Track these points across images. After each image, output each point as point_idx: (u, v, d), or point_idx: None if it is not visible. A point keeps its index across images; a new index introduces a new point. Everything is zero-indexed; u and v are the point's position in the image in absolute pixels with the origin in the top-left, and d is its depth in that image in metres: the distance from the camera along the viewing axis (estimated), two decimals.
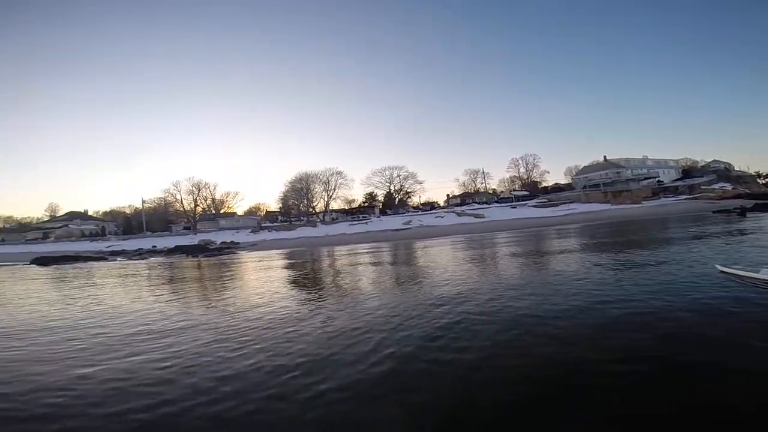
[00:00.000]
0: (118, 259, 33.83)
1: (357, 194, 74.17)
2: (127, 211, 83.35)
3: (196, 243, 39.92)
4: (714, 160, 70.52)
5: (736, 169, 69.30)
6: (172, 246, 37.27)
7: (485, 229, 37.16)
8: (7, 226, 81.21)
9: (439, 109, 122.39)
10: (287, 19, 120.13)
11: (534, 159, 79.91)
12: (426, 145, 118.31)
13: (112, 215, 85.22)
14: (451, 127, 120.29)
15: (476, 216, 45.96)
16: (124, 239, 55.97)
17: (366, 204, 72.73)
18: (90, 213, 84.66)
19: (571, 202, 55.33)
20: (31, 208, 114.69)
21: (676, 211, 37.92)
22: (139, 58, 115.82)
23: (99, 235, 68.80)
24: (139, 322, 7.22)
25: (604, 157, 69.55)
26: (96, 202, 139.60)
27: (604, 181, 62.23)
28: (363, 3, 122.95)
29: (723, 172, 64.32)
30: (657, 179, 64.51)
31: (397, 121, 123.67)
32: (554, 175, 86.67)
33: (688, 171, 67.80)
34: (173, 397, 3.68)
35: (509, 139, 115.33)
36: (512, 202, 62.82)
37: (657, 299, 5.92)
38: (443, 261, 14.16)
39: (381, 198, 73.91)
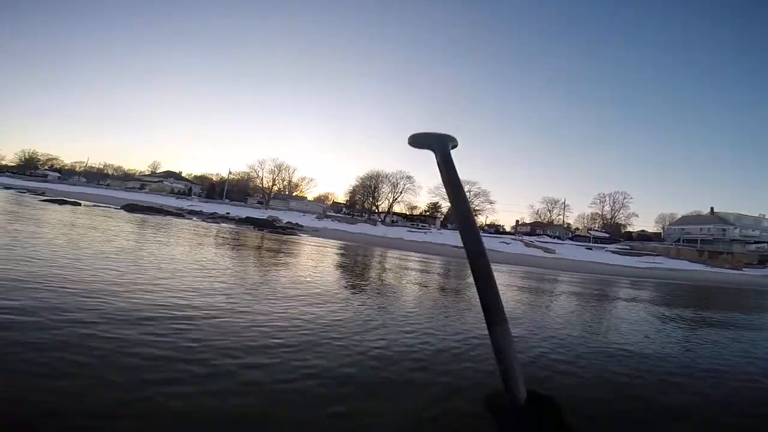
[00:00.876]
0: (194, 218, 36.32)
1: (421, 202, 73.31)
2: (214, 179, 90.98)
3: (265, 218, 41.82)
4: None
5: None
6: (244, 216, 39.34)
7: (553, 266, 34.28)
8: (113, 174, 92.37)
9: (522, 127, 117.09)
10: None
11: (624, 198, 72.97)
12: (503, 164, 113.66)
13: (201, 179, 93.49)
14: (534, 148, 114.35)
15: (546, 250, 42.79)
16: (204, 202, 60.70)
17: (428, 213, 71.61)
18: (183, 174, 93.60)
19: (657, 255, 49.39)
20: (139, 163, 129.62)
21: None
22: (258, 37, 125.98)
23: (185, 194, 75.79)
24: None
25: (711, 209, 60.98)
26: (191, 166, 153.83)
27: (704, 238, 54.69)
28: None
29: None
30: None
31: (475, 134, 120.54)
32: (643, 220, 78.64)
33: None
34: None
35: (596, 170, 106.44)
36: (588, 242, 57.84)
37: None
38: (505, 292, 12.89)
39: (444, 211, 72.30)
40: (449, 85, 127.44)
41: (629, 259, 44.00)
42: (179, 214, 37.65)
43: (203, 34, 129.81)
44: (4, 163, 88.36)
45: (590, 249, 50.67)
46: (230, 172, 76.31)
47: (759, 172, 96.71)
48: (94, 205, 35.93)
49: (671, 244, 54.59)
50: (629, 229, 73.27)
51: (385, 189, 65.65)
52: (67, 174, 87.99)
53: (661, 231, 71.04)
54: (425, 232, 49.19)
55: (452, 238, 46.45)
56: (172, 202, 54.04)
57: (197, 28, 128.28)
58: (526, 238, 53.42)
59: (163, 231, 18.13)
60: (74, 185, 67.05)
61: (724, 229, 55.76)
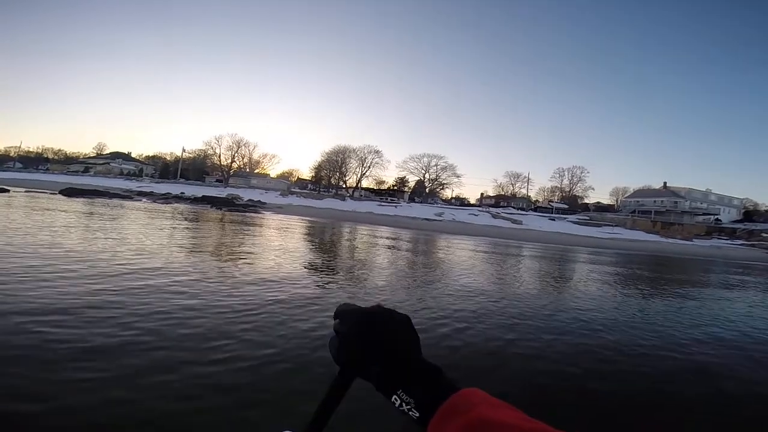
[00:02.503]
0: (144, 200, 33.19)
1: (389, 177, 71.92)
2: (168, 158, 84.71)
3: (224, 196, 38.98)
4: None
5: None
6: (200, 195, 36.39)
7: (521, 237, 34.20)
8: (54, 158, 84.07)
9: (486, 102, 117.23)
10: None
11: (581, 172, 75.40)
12: (466, 139, 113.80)
13: (153, 160, 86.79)
14: (495, 123, 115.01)
15: (513, 221, 42.79)
16: (157, 182, 56.22)
17: (395, 188, 70.50)
18: (134, 155, 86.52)
19: (615, 225, 50.96)
20: (82, 145, 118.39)
21: (731, 256, 33.49)
22: (198, 14, 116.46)
23: (136, 175, 70.10)
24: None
25: (665, 183, 64.08)
26: (142, 147, 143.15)
27: (657, 209, 57.23)
28: None
29: None
30: (716, 217, 58.79)
31: (440, 109, 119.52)
32: (599, 192, 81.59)
33: (750, 213, 61.57)
34: None
35: (555, 145, 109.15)
36: (550, 213, 58.87)
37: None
38: (481, 264, 11.82)
39: (412, 184, 71.48)
40: (415, 57, 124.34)
41: (590, 230, 44.95)
42: (127, 196, 34.26)
43: (152, 4, 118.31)
44: None
45: (553, 220, 51.47)
46: (184, 150, 71.04)
47: (706, 149, 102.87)
48: (27, 191, 32.20)
49: (627, 215, 56.63)
50: (586, 201, 75.95)
51: (352, 164, 63.65)
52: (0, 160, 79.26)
53: (614, 203, 74.52)
54: (395, 206, 47.96)
55: (421, 210, 45.78)
56: (120, 183, 49.60)
57: None
58: (493, 210, 53.51)
59: (106, 215, 15.70)
60: (6, 170, 60.24)
61: (675, 202, 58.68)
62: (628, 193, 73.98)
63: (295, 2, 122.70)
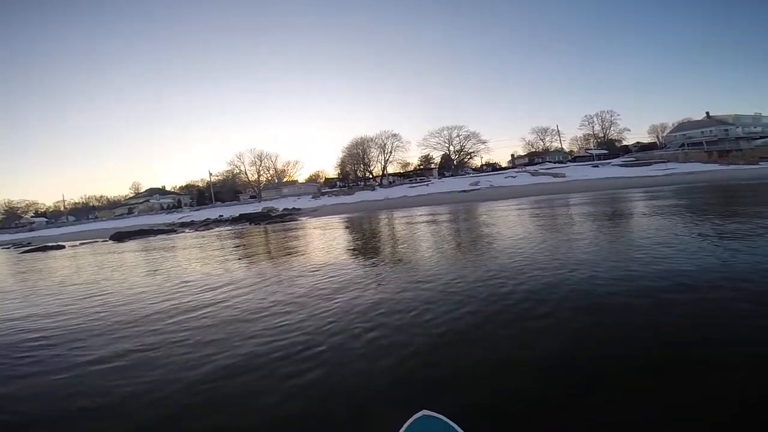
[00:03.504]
0: (187, 230, 33.83)
1: (413, 157, 70.04)
2: (200, 185, 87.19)
3: (260, 210, 39.25)
4: None
5: None
6: (237, 214, 36.77)
7: (568, 189, 32.01)
8: (98, 204, 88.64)
9: (498, 62, 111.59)
10: None
11: (611, 116, 70.64)
12: (484, 103, 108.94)
13: (188, 189, 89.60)
14: (513, 81, 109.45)
15: (555, 175, 40.33)
16: (195, 210, 57.92)
17: (422, 167, 68.74)
18: (168, 188, 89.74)
19: (665, 161, 47.08)
20: (121, 187, 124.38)
21: None
22: (194, 35, 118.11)
23: (176, 207, 72.63)
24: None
25: (707, 113, 58.33)
26: (173, 178, 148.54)
27: (708, 139, 52.20)
28: None
29: None
30: None
31: (452, 79, 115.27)
32: (635, 133, 75.79)
33: None
34: None
35: (581, 94, 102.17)
36: (591, 160, 55.26)
37: None
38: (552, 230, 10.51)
39: (437, 160, 69.40)
40: (415, 25, 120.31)
41: (641, 170, 41.60)
42: (171, 230, 35.08)
43: (156, 43, 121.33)
44: None
45: (596, 167, 48.27)
46: (211, 174, 72.66)
47: (738, 74, 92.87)
48: (81, 243, 33.57)
49: (677, 150, 52.19)
50: (625, 143, 71.22)
51: (374, 152, 62.45)
52: (53, 216, 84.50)
53: (656, 141, 69.36)
54: (427, 184, 46.57)
55: (455, 183, 44.18)
56: (164, 218, 51.34)
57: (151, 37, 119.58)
58: (530, 168, 50.86)
59: (149, 258, 15.67)
60: (61, 226, 64.09)
61: (726, 129, 53.47)
62: (669, 129, 68.77)
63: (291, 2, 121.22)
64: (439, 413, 1.42)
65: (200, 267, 9.09)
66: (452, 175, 58.09)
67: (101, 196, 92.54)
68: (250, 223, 30.74)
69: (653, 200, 15.17)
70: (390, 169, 65.81)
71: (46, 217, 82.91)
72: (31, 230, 63.77)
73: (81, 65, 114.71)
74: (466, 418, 1.52)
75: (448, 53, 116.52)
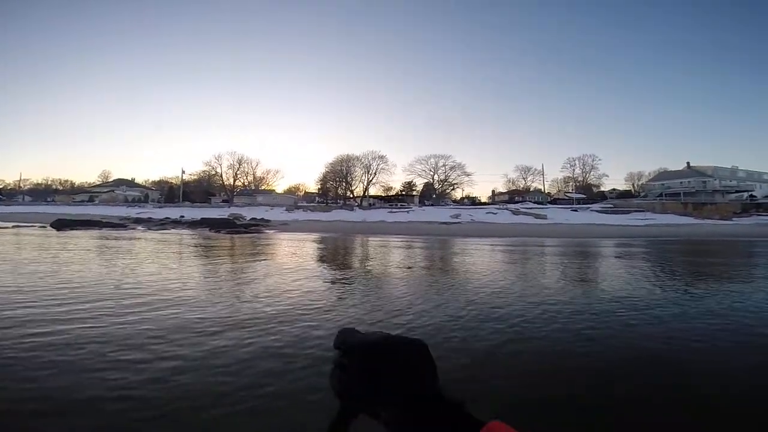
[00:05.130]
0: (139, 227, 30.19)
1: (396, 181, 68.27)
2: (173, 182, 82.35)
3: (226, 217, 35.88)
4: None
5: None
6: (199, 218, 33.33)
7: (549, 233, 30.40)
8: (61, 188, 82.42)
9: (488, 99, 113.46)
10: None
11: (593, 160, 71.46)
12: (471, 136, 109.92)
13: (159, 185, 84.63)
14: (500, 119, 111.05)
15: (537, 216, 38.97)
16: (159, 207, 53.67)
17: (404, 192, 66.93)
18: (139, 181, 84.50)
19: (642, 211, 46.84)
20: (88, 175, 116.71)
21: None
22: (185, 33, 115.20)
23: (142, 201, 67.74)
24: None
25: (687, 163, 59.62)
26: (146, 172, 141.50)
27: (686, 191, 52.91)
28: None
29: None
30: (750, 193, 54.05)
31: (442, 109, 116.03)
32: (613, 179, 76.83)
33: None
34: None
35: (564, 137, 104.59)
36: (570, 204, 54.71)
37: None
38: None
39: (420, 188, 67.81)
40: (415, 57, 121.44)
41: (620, 218, 40.88)
42: (120, 225, 31.29)
43: (144, 30, 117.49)
44: None
45: (576, 211, 47.51)
46: (183, 172, 68.35)
47: (725, 125, 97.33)
48: (15, 226, 29.68)
49: (654, 199, 52.45)
50: (602, 189, 72.00)
51: (357, 172, 60.31)
52: (9, 195, 77.85)
53: (632, 188, 70.52)
54: (407, 211, 44.36)
55: (436, 213, 42.09)
56: (119, 211, 46.92)
57: (139, 23, 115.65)
58: (511, 206, 49.63)
59: (61, 251, 12.46)
60: (10, 206, 58.42)
61: (704, 182, 54.55)
62: (645, 177, 70.30)
63: (285, 9, 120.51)
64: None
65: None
66: (433, 204, 56.36)
67: (66, 180, 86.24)
68: (210, 229, 27.46)
69: (644, 258, 13.28)
70: (372, 191, 63.79)
71: (1, 195, 76.25)
72: None
73: (66, 48, 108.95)
74: None
75: (446, 79, 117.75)
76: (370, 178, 60.73)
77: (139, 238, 19.32)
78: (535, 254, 14.73)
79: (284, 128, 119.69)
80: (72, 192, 78.39)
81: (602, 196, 64.92)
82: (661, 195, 54.22)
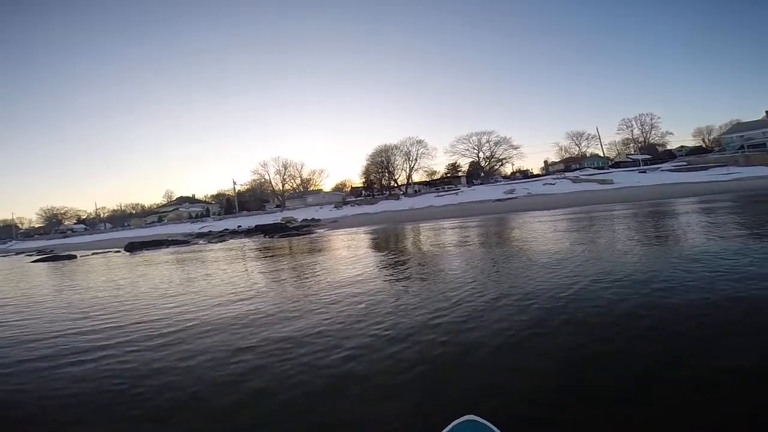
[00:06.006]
0: (200, 241, 31.36)
1: (439, 165, 65.96)
2: (230, 194, 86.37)
3: (279, 220, 36.48)
4: None
5: None
6: (254, 225, 34.12)
7: (620, 198, 27.30)
8: (134, 212, 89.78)
9: (530, 63, 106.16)
10: None
11: (651, 119, 64.57)
12: (512, 108, 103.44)
13: (218, 198, 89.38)
14: (545, 84, 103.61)
15: (601, 182, 35.38)
16: (220, 219, 56.30)
17: (449, 175, 64.59)
18: (199, 196, 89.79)
19: (724, 165, 41.06)
20: (155, 196, 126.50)
21: None
22: (221, 52, 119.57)
23: (204, 216, 71.78)
24: None
25: (767, 112, 51.66)
26: (205, 187, 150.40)
27: None
28: None
29: None
30: None
31: (481, 81, 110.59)
32: (678, 137, 68.59)
33: None
34: None
35: (616, 97, 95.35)
36: (636, 166, 49.46)
37: None
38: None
39: (465, 168, 65.04)
40: (444, 31, 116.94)
41: (699, 174, 36.05)
42: (185, 241, 32.82)
43: (187, 58, 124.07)
44: (30, 225, 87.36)
45: (644, 172, 42.78)
46: (235, 183, 71.14)
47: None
48: (94, 253, 32.17)
49: (735, 152, 45.92)
50: (668, 147, 64.75)
51: (398, 160, 59.05)
52: (92, 223, 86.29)
53: (701, 145, 63.19)
54: (456, 193, 42.40)
55: (487, 192, 39.74)
56: (185, 228, 49.72)
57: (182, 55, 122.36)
58: (570, 174, 45.79)
59: (120, 273, 12.66)
60: (95, 234, 64.39)
61: None
62: (716, 131, 62.65)
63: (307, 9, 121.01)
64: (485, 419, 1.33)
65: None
66: (482, 183, 53.72)
67: (137, 204, 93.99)
68: (264, 235, 27.82)
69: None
70: (416, 178, 62.29)
71: (85, 224, 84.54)
72: (65, 237, 64.18)
73: (117, 81, 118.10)
74: None
75: (475, 56, 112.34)
76: (412, 165, 59.26)
77: (199, 251, 19.69)
78: (617, 221, 12.68)
79: (322, 127, 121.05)
80: (143, 214, 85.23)
81: (671, 155, 58.44)
82: (741, 147, 47.42)
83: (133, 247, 30.72)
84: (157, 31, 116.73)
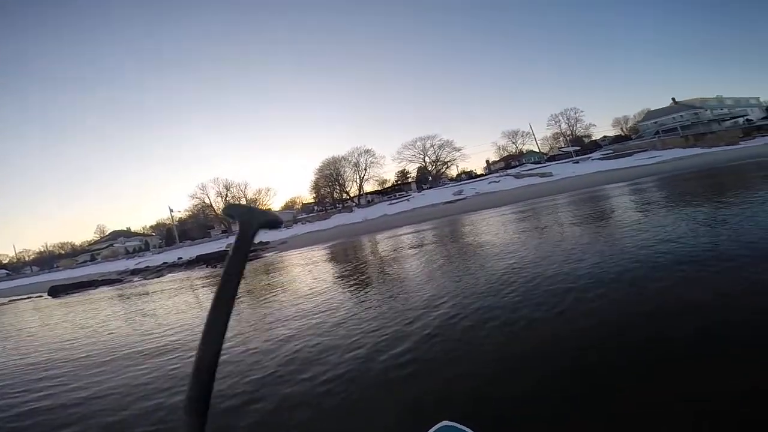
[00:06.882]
0: (135, 279, 27.97)
1: (389, 172, 65.87)
2: (171, 223, 79.88)
3: (224, 248, 33.56)
4: None
5: None
6: (195, 256, 31.08)
7: (561, 189, 28.16)
8: (62, 252, 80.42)
9: (461, 71, 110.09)
10: None
11: (576, 113, 69.15)
12: (453, 113, 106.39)
13: (158, 228, 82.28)
14: (476, 89, 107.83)
15: (542, 175, 36.55)
16: (159, 252, 51.52)
17: (399, 182, 64.61)
18: (136, 229, 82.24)
19: (644, 150, 44.51)
20: (86, 233, 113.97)
21: None
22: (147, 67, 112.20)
23: (143, 250, 65.49)
24: None
25: (673, 99, 56.97)
26: (142, 218, 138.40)
27: (682, 124, 50.61)
28: None
29: None
30: (745, 117, 51.90)
31: (418, 90, 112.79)
32: (601, 129, 74.26)
33: None
34: None
35: (542, 96, 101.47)
36: (569, 157, 52.24)
37: None
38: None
39: (414, 174, 65.46)
40: (384, 46, 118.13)
41: (626, 161, 38.53)
42: (117, 280, 29.18)
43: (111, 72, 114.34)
44: None
45: (577, 162, 45.22)
46: (171, 211, 65.78)
47: (692, 60, 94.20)
48: (10, 300, 28.04)
49: (652, 138, 50.16)
50: (593, 138, 69.78)
51: (348, 171, 57.89)
52: (15, 268, 76.04)
53: (620, 133, 68.63)
54: (407, 199, 41.92)
55: (437, 195, 39.66)
56: (119, 265, 44.68)
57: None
58: (512, 171, 47.23)
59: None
60: (16, 279, 56.64)
61: (696, 113, 52.19)
62: (631, 121, 68.41)
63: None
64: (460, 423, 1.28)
65: None
66: (431, 187, 53.98)
67: (65, 243, 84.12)
68: (206, 266, 25.28)
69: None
70: (367, 188, 61.43)
71: (7, 270, 74.35)
72: None
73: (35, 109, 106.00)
74: None
75: (410, 59, 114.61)
76: (362, 175, 58.37)
77: (133, 291, 17.08)
78: (563, 209, 12.41)
79: (264, 144, 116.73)
80: (74, 254, 76.34)
81: (596, 145, 62.80)
82: (657, 133, 51.94)
83: (56, 290, 26.87)
84: (71, 55, 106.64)
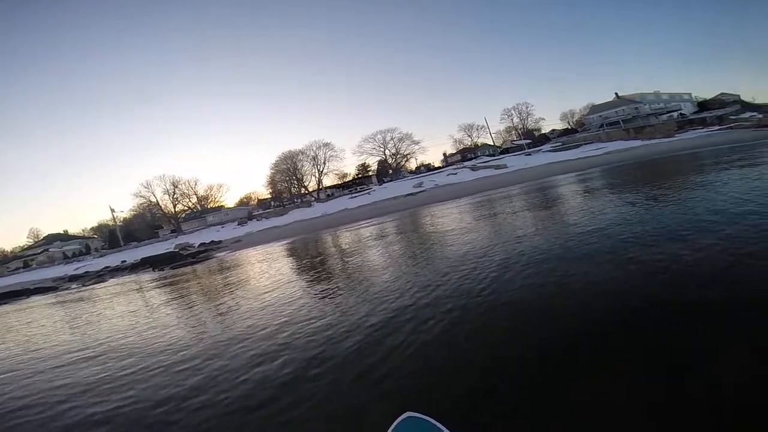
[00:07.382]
0: (74, 286, 25.29)
1: (349, 166, 65.08)
2: (114, 224, 73.70)
3: (171, 249, 31.29)
4: (721, 93, 61.10)
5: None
6: (140, 259, 28.66)
7: (515, 180, 28.81)
8: None
9: (418, 65, 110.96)
10: None
11: (527, 107, 71.76)
12: (412, 106, 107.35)
13: (100, 230, 75.70)
14: (431, 83, 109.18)
15: (497, 167, 37.33)
16: (101, 256, 47.34)
17: (360, 176, 63.88)
18: (75, 231, 75.25)
19: (591, 142, 46.88)
20: (18, 238, 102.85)
21: (719, 141, 29.24)
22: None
23: (84, 253, 60.00)
24: None
25: (616, 94, 60.53)
26: (82, 220, 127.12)
27: (623, 118, 53.87)
28: None
29: (741, 103, 55.72)
30: (679, 112, 56.19)
31: (378, 78, 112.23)
32: (550, 122, 78.09)
33: (704, 104, 59.21)
34: None
35: (495, 90, 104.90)
36: (522, 150, 53.98)
37: None
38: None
39: (374, 167, 65.05)
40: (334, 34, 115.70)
41: (575, 152, 40.31)
42: (52, 288, 26.24)
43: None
44: None
45: (529, 155, 46.74)
46: (113, 210, 60.79)
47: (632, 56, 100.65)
48: None
49: (598, 130, 52.98)
50: (543, 131, 72.73)
51: (306, 165, 56.24)
52: None
53: (568, 126, 71.94)
54: (368, 193, 41.33)
55: (398, 188, 39.40)
56: (56, 271, 40.53)
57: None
58: (468, 164, 48.01)
59: None
60: None
61: (636, 107, 55.79)
62: (577, 114, 72.15)
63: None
64: (423, 414, 1.30)
65: None
66: (392, 180, 53.73)
67: None
68: (153, 269, 23.32)
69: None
70: (327, 182, 60.13)
71: None
72: None
73: None
74: None
75: (368, 52, 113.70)
76: (321, 169, 57.00)
77: (70, 301, 15.20)
78: (522, 198, 12.43)
79: (216, 139, 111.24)
80: (4, 261, 68.55)
81: (546, 138, 65.39)
82: (602, 126, 54.91)
83: None
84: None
